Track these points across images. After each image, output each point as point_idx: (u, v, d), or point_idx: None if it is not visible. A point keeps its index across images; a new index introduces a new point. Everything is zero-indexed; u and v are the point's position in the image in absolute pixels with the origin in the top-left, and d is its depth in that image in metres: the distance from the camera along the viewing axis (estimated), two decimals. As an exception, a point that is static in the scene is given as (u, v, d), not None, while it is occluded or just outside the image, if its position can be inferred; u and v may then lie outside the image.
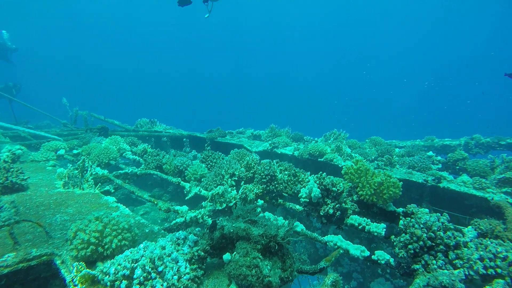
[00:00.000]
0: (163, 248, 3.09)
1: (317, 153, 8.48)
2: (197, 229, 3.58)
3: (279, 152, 9.32)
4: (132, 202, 7.91)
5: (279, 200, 5.71)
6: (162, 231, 4.25)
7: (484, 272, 3.59)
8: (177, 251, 3.06)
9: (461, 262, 3.57)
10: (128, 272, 2.81)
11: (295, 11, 62.20)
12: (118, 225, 3.50)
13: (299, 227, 4.71)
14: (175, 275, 2.82)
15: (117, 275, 2.81)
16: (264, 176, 5.65)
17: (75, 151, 9.03)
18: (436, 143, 10.70)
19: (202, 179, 6.61)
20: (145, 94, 77.02)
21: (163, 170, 7.26)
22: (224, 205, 5.08)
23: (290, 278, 2.92)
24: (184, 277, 2.83)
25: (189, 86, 79.09)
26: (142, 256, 2.97)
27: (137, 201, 8.00)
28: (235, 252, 2.91)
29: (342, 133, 10.26)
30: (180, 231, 3.36)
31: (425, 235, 3.70)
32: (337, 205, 4.82)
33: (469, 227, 4.52)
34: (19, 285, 3.41)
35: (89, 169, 5.93)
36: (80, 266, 3.01)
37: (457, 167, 8.70)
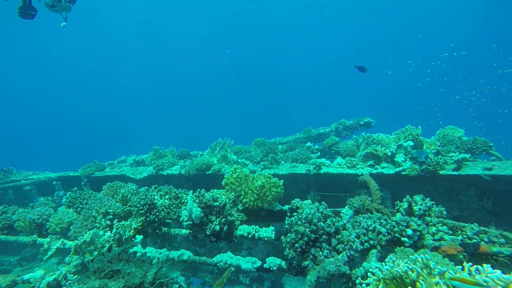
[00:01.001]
0: None
1: (204, 166, 8.14)
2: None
3: (165, 174, 8.66)
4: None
5: (163, 229, 5.13)
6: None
7: (361, 247, 3.76)
8: None
9: (342, 245, 3.66)
10: None
11: (184, 17, 60.08)
12: None
13: (186, 254, 4.25)
14: None
15: None
16: (141, 207, 4.99)
17: None
18: (313, 133, 11.49)
19: (71, 227, 5.53)
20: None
21: (15, 229, 5.84)
22: (95, 253, 4.26)
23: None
24: None
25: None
26: None
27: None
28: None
29: (227, 141, 10.14)
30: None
31: (308, 229, 3.69)
32: (222, 220, 4.53)
33: (346, 207, 4.79)
34: None
35: None
36: None
37: (332, 151, 9.45)
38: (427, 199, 4.36)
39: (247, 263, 3.91)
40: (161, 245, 6.49)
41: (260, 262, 3.99)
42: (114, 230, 4.51)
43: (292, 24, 56.55)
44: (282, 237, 4.28)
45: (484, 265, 2.36)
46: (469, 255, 3.56)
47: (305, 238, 3.65)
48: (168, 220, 5.28)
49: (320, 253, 3.59)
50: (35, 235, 5.37)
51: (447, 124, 8.69)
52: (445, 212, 4.27)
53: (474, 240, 3.73)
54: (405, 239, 3.72)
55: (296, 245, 3.67)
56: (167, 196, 5.46)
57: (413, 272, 2.40)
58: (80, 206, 6.30)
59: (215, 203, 4.50)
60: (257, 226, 4.61)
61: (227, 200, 4.79)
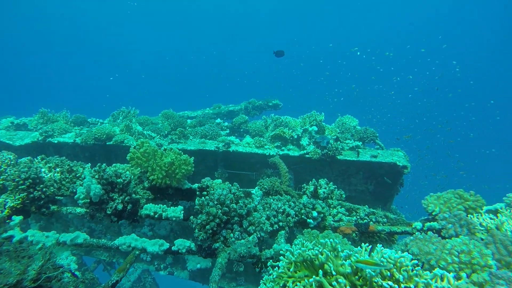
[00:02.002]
0: None
1: (104, 136, 7.33)
2: None
3: (56, 142, 7.51)
4: None
5: (52, 207, 4.44)
6: None
7: (271, 229, 3.91)
8: None
9: (253, 227, 3.74)
10: None
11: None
12: None
13: (81, 237, 3.78)
14: None
15: None
16: (21, 181, 4.19)
17: None
18: (223, 109, 11.40)
19: None
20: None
21: None
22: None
23: None
24: None
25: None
26: None
27: None
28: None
29: (132, 110, 9.28)
30: None
31: (220, 211, 3.64)
32: (126, 198, 4.14)
33: (256, 188, 4.90)
34: None
35: None
36: None
37: (242, 130, 9.56)
38: (330, 183, 4.77)
39: (154, 245, 3.68)
40: (48, 226, 5.68)
41: (168, 244, 3.80)
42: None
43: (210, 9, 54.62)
44: (192, 217, 4.15)
45: (378, 245, 2.68)
46: (360, 234, 4.05)
47: (217, 220, 3.60)
48: (59, 197, 4.59)
49: (231, 234, 3.60)
50: None
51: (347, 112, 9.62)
52: (344, 195, 4.75)
53: (365, 220, 4.25)
54: (310, 220, 4.01)
55: (207, 226, 3.60)
56: (58, 169, 4.72)
57: (322, 255, 2.58)
58: None
59: (118, 180, 4.07)
60: (165, 206, 4.36)
61: (132, 176, 4.39)
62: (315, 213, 4.03)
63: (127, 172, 4.21)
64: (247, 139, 8.05)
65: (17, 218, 3.91)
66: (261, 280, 2.88)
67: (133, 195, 4.23)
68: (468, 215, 4.13)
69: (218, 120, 9.45)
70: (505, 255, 3.21)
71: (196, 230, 3.77)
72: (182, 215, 4.24)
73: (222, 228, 3.66)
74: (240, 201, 3.88)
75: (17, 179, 4.18)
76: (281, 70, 54.25)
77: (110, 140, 7.39)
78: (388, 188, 7.70)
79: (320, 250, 2.62)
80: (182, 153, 4.74)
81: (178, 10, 53.74)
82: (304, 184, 4.90)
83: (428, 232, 3.52)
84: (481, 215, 4.09)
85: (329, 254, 2.57)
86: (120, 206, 4.04)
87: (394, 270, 2.34)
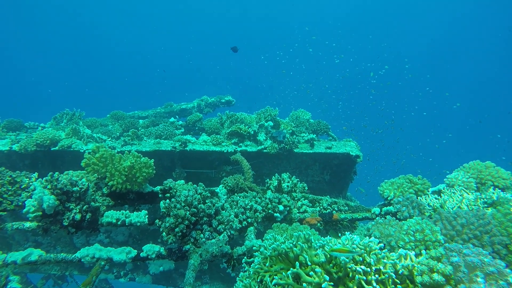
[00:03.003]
0: None
1: (48, 141, 6.76)
2: None
3: (-14, 151, 6.76)
4: None
5: (-6, 225, 4.01)
6: None
7: (240, 226, 3.93)
8: None
9: (223, 226, 3.73)
10: None
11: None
12: None
13: (34, 254, 3.47)
14: None
15: None
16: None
17: None
18: (175, 108, 11.12)
19: None
20: None
21: None
22: None
23: None
24: None
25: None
26: None
27: None
28: None
29: (77, 112, 8.65)
30: None
31: (188, 213, 3.57)
32: (84, 207, 3.88)
33: (220, 186, 4.87)
34: None
35: None
36: None
37: (197, 128, 9.41)
38: (293, 177, 4.91)
39: (120, 254, 3.50)
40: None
41: (136, 251, 3.64)
42: None
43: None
44: (157, 220, 4.02)
45: (347, 233, 2.84)
46: (325, 223, 4.24)
47: (186, 222, 3.53)
48: (1, 213, 4.14)
49: (201, 235, 3.56)
50: None
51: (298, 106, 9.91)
52: (306, 188, 4.92)
53: (328, 210, 4.46)
54: (277, 214, 4.11)
55: (177, 229, 3.51)
56: (-2, 182, 4.25)
57: (296, 247, 2.67)
58: None
59: (74, 188, 3.79)
60: (127, 211, 4.16)
61: (89, 183, 4.11)
62: (281, 207, 4.14)
63: (83, 180, 3.93)
64: (203, 137, 7.95)
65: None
66: (237, 278, 2.89)
67: (92, 203, 3.97)
68: (418, 197, 4.54)
69: (172, 119, 9.19)
70: (450, 229, 3.60)
71: (164, 233, 3.66)
72: (146, 220, 4.09)
73: (191, 230, 3.60)
74: (207, 201, 3.84)
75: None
76: (232, 67, 53.92)
77: (55, 145, 6.85)
78: (343, 177, 8.14)
79: (294, 243, 2.70)
80: (141, 155, 4.54)
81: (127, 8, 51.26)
82: (267, 179, 4.98)
83: (387, 216, 3.80)
84: (428, 196, 4.52)
85: (303, 246, 2.66)
86: (78, 216, 3.77)
87: (365, 255, 2.50)
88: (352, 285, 2.38)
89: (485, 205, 4.17)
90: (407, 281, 2.54)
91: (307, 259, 2.57)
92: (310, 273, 2.50)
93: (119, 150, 6.93)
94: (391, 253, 2.58)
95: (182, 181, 4.75)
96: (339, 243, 2.66)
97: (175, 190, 4.57)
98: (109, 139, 7.53)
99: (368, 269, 2.42)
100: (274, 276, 2.68)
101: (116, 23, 54.61)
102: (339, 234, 4.26)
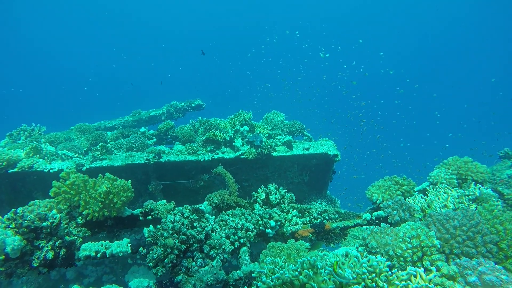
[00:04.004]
0: None
1: (4, 163, 6.15)
2: None
3: None
4: None
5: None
6: None
7: (232, 247, 3.72)
8: None
9: (215, 250, 3.50)
10: None
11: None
12: None
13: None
14: None
15: None
16: None
17: None
18: (143, 115, 10.61)
19: None
20: None
21: None
22: None
23: None
24: None
25: None
26: None
27: None
28: None
29: (36, 127, 7.95)
30: None
31: (177, 241, 3.31)
32: (57, 243, 3.49)
33: (205, 203, 4.60)
34: None
35: None
36: None
37: (169, 136, 9.02)
38: (280, 188, 4.75)
39: (105, 295, 3.18)
40: None
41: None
42: None
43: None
44: (141, 248, 3.72)
45: (353, 251, 2.74)
46: (317, 233, 4.13)
47: (176, 251, 3.26)
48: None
49: (193, 263, 3.31)
50: None
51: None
52: (294, 198, 4.78)
53: (319, 219, 4.35)
54: (269, 230, 3.94)
55: (166, 260, 3.23)
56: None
57: (302, 275, 2.51)
58: None
59: (44, 223, 3.40)
60: (107, 241, 3.81)
61: (61, 215, 3.71)
62: (272, 223, 3.97)
63: (53, 211, 3.53)
64: (178, 146, 7.63)
65: None
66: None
67: (66, 237, 3.58)
68: (406, 199, 4.56)
69: (143, 129, 8.73)
70: (444, 232, 3.61)
71: (151, 264, 3.37)
72: (129, 249, 3.76)
73: (182, 258, 3.34)
74: (195, 224, 3.59)
75: None
76: (201, 70, 52.91)
77: (13, 167, 6.25)
78: (322, 177, 8.13)
79: (299, 270, 2.55)
80: (117, 178, 4.17)
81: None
82: (254, 192, 4.79)
83: (381, 223, 3.75)
84: (415, 197, 4.56)
85: (310, 273, 2.52)
86: (50, 254, 3.38)
87: (377, 278, 2.40)
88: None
89: (470, 202, 4.26)
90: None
91: (315, 286, 2.43)
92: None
93: (88, 167, 6.44)
94: (400, 272, 2.50)
95: (164, 201, 4.45)
96: (348, 267, 2.54)
97: (156, 212, 4.27)
98: (76, 155, 6.98)
99: (381, 293, 2.32)
100: (281, 307, 2.52)
101: (71, 31, 51.80)
102: (332, 245, 4.18)
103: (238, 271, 3.25)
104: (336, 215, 4.49)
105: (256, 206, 4.46)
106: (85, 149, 7.23)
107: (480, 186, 4.48)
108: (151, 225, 3.75)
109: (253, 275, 2.80)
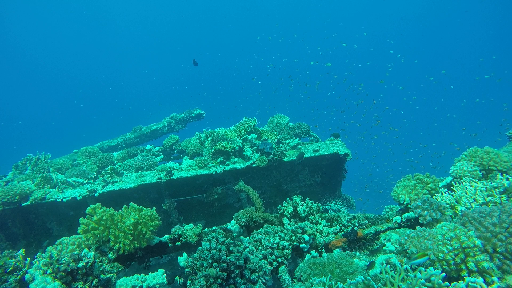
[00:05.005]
0: None
1: (17, 197, 6.03)
2: None
3: None
4: None
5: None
6: None
7: (271, 268, 3.65)
8: None
9: (256, 274, 3.43)
10: None
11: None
12: None
13: None
14: None
15: None
16: None
17: None
18: (144, 130, 10.50)
19: None
20: None
21: None
22: None
23: None
24: None
25: None
26: None
27: None
28: None
29: (41, 155, 7.78)
30: None
31: (218, 269, 3.22)
32: (94, 282, 3.39)
33: (232, 221, 4.50)
34: None
35: None
36: None
37: (175, 151, 8.91)
38: (307, 199, 4.68)
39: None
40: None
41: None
42: None
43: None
44: (177, 277, 3.64)
45: (406, 267, 2.68)
46: (349, 242, 4.08)
47: (218, 280, 3.18)
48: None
49: (236, 291, 3.24)
50: None
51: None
52: (321, 207, 4.71)
53: (349, 227, 4.30)
54: (304, 245, 3.87)
55: (209, 291, 3.15)
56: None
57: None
58: None
59: (80, 264, 3.29)
60: (142, 274, 3.71)
61: (94, 253, 3.60)
62: (306, 237, 3.91)
63: (86, 250, 3.42)
64: (187, 161, 7.52)
65: None
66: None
67: (102, 275, 3.48)
68: (433, 197, 4.52)
69: (149, 146, 8.62)
70: (483, 231, 3.57)
71: (194, 295, 3.28)
72: (165, 279, 3.67)
73: (224, 287, 3.26)
74: (231, 249, 3.50)
75: None
76: (200, 79, 52.90)
77: (26, 199, 6.13)
78: (334, 177, 8.10)
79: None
80: (143, 208, 4.07)
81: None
82: (280, 206, 4.71)
83: (417, 227, 3.71)
84: (442, 194, 4.51)
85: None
86: (88, 297, 3.28)
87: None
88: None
89: (500, 195, 4.23)
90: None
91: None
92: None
93: (100, 191, 6.32)
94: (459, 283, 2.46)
95: (190, 225, 4.35)
96: (405, 283, 2.49)
97: (185, 237, 4.18)
98: (86, 181, 6.84)
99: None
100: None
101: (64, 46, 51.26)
102: (365, 251, 4.12)
103: (283, 294, 3.19)
104: (366, 221, 4.44)
105: (285, 220, 4.39)
106: (94, 173, 7.09)
107: (508, 176, 4.45)
108: (184, 254, 3.67)
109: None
